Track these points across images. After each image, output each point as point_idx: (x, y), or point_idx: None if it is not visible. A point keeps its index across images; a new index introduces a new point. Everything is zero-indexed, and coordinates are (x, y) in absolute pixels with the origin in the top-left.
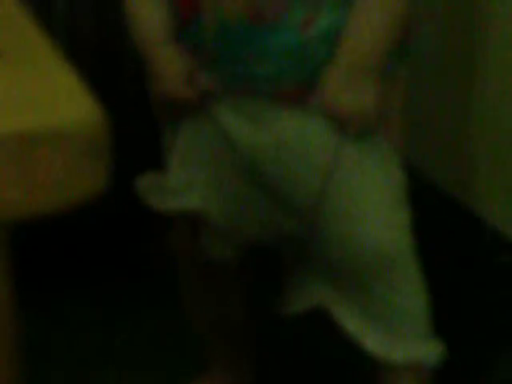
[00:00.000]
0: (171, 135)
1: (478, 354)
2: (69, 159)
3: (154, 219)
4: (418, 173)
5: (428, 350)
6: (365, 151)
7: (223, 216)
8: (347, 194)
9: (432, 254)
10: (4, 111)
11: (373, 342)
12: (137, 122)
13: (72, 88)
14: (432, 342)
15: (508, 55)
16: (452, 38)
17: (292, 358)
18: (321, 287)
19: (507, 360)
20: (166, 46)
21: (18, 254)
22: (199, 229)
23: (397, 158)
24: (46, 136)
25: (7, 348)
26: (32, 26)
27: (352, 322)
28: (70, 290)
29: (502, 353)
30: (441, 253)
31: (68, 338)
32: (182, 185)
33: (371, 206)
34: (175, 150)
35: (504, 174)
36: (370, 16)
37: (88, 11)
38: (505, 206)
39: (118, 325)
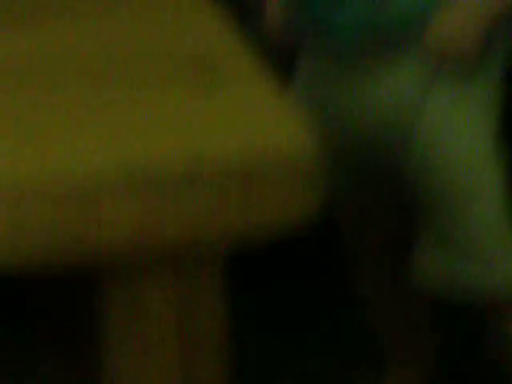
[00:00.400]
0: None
1: None
2: (287, 180)
3: None
4: None
5: None
6: (459, 95)
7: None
8: (437, 129)
9: None
10: (224, 136)
11: (467, 276)
12: None
13: (287, 114)
14: None
15: None
16: None
17: None
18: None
19: None
20: None
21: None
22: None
23: (494, 109)
24: (267, 159)
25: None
26: (248, 49)
27: (444, 265)
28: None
29: None
30: None
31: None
32: None
33: (461, 152)
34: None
35: None
36: None
37: None
38: None
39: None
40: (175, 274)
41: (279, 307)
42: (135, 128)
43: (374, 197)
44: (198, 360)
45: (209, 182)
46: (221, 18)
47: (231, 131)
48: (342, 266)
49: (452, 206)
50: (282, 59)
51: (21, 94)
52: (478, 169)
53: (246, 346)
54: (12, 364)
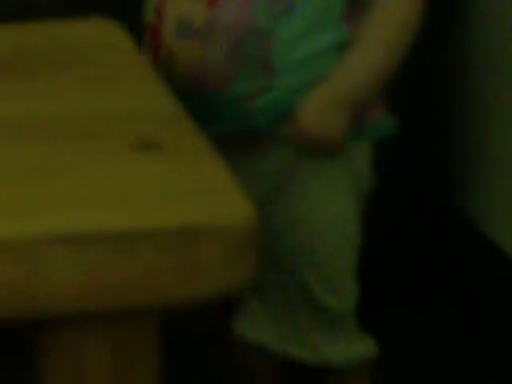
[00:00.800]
0: None
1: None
2: (224, 250)
3: None
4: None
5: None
6: (319, 168)
7: None
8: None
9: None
10: (163, 204)
11: (298, 349)
12: None
13: (226, 183)
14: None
15: None
16: None
17: None
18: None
19: None
20: None
21: None
22: None
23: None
24: (205, 228)
25: None
26: (187, 120)
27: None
28: None
29: None
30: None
31: None
32: None
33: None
34: None
35: None
36: (364, 56)
37: None
38: None
39: None
40: (110, 326)
41: None
42: (71, 190)
43: None
44: None
45: (144, 251)
46: (162, 83)
47: (167, 198)
48: None
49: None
50: None
51: None
52: (332, 233)
53: None
54: None
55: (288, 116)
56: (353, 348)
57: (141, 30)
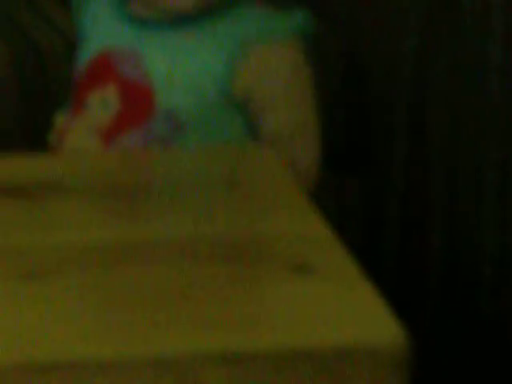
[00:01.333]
0: None
1: None
2: (377, 372)
3: None
4: None
5: None
6: None
7: None
8: None
9: None
10: (319, 325)
11: None
12: None
13: (377, 307)
14: None
15: None
16: None
17: None
18: None
19: None
20: None
21: None
22: None
23: None
24: (359, 350)
25: None
26: (338, 243)
27: None
28: None
29: None
30: None
31: None
32: None
33: None
34: None
35: None
36: None
37: None
38: None
39: None
40: None
41: None
42: (228, 310)
43: None
44: None
45: (302, 371)
46: (314, 207)
47: (322, 319)
48: None
49: None
50: None
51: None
52: None
53: None
54: None
55: None
56: None
57: None
